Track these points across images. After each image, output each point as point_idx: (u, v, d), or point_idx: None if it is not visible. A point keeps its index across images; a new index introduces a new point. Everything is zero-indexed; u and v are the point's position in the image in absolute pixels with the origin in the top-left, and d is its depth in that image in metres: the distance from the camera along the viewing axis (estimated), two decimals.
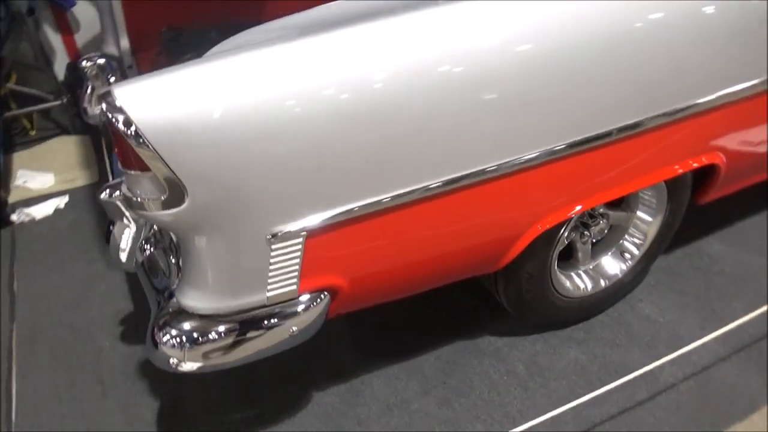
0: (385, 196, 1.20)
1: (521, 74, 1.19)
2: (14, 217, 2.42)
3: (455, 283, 1.59)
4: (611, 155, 1.41)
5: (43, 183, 2.61)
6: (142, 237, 1.48)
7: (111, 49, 2.30)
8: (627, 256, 1.82)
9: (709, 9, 1.34)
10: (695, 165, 1.60)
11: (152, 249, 1.49)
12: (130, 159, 1.04)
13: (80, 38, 3.20)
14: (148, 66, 2.20)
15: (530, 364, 1.78)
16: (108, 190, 1.37)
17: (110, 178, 1.84)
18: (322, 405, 1.70)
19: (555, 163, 1.33)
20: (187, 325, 1.28)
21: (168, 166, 1.01)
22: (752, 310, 1.72)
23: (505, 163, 1.26)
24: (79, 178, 2.66)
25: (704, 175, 1.71)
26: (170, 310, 1.31)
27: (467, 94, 1.16)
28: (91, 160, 2.78)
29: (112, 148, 1.95)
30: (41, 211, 2.46)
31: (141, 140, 0.98)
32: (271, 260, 1.19)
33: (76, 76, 3.11)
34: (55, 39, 3.12)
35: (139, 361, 1.86)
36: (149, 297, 1.41)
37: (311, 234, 1.18)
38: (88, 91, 2.16)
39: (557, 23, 1.21)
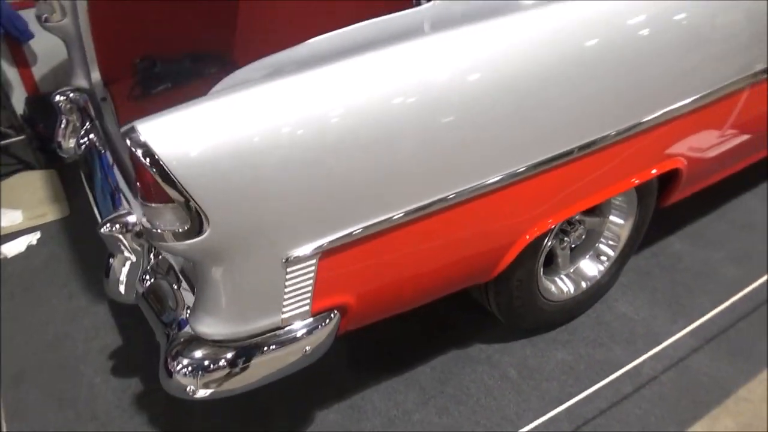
0: (387, 216, 1.26)
1: (483, 102, 1.27)
2: None
3: (440, 300, 1.65)
4: (585, 167, 1.52)
5: (11, 220, 2.54)
6: (141, 269, 1.49)
7: (80, 82, 2.29)
8: (603, 258, 1.94)
9: (648, 35, 1.46)
10: (661, 170, 1.74)
11: (153, 280, 1.50)
12: (153, 192, 1.06)
13: (37, 71, 3.15)
14: (124, 98, 2.20)
15: (521, 368, 1.86)
16: (108, 224, 1.39)
17: (96, 212, 1.83)
18: (326, 423, 1.73)
19: (537, 177, 1.43)
20: (199, 353, 1.30)
21: (192, 198, 1.04)
22: (718, 304, 1.85)
23: (495, 179, 1.35)
24: (49, 213, 2.61)
25: (668, 180, 1.85)
26: (182, 339, 1.32)
27: (451, 122, 1.24)
28: (60, 194, 2.73)
29: (94, 180, 1.95)
30: (13, 248, 2.41)
31: (166, 173, 1.01)
32: (287, 283, 1.23)
33: (36, 110, 3.06)
34: (11, 72, 3.06)
35: (134, 394, 1.85)
36: (156, 328, 1.42)
37: (323, 255, 1.23)
38: (63, 125, 2.16)
39: (509, 54, 1.30)
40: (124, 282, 1.49)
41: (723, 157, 1.93)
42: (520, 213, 1.51)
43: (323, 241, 1.21)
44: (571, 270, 1.92)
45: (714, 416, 1.72)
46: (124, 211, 1.44)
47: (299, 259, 1.20)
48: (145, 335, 2.00)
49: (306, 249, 1.20)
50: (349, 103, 1.16)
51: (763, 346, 1.90)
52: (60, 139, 2.16)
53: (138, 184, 1.10)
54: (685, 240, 2.33)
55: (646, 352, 1.74)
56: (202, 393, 1.30)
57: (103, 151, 2.01)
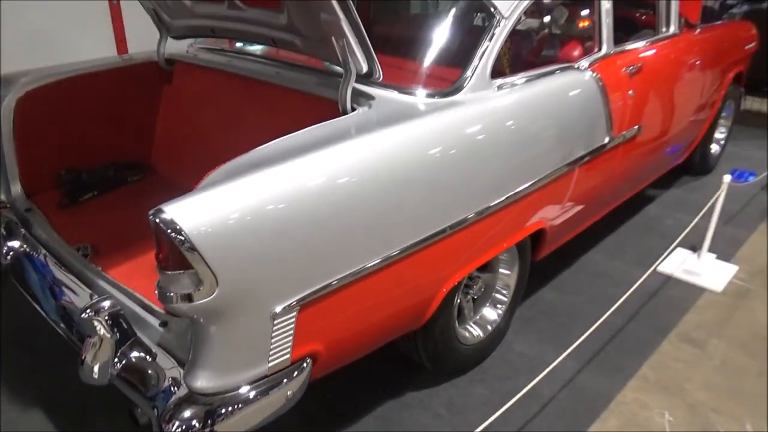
0: (343, 274, 1.56)
1: (400, 187, 1.67)
2: None
3: (372, 358, 1.93)
4: (477, 233, 1.96)
5: None
6: (113, 352, 1.63)
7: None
8: (499, 305, 2.37)
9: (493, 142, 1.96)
10: (530, 230, 2.24)
11: (126, 361, 1.63)
12: (172, 261, 1.29)
13: None
14: (53, 207, 2.32)
15: (449, 405, 2.17)
16: (88, 310, 1.56)
17: (38, 308, 1.90)
18: None
19: (444, 241, 1.82)
20: (188, 413, 1.46)
21: (207, 264, 1.29)
22: (585, 332, 2.33)
23: (411, 244, 1.71)
24: None
25: (537, 238, 2.36)
26: (172, 405, 1.47)
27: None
28: None
29: (29, 281, 2.02)
30: None
31: (188, 245, 1.25)
32: (273, 334, 1.47)
33: None
34: None
35: None
36: (139, 402, 1.55)
37: (301, 308, 1.50)
38: None
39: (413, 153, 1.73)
40: (98, 365, 1.61)
41: (574, 217, 2.51)
42: (438, 270, 1.90)
43: (300, 295, 1.49)
44: (477, 317, 2.32)
45: (603, 419, 2.15)
46: (99, 299, 1.61)
47: (283, 312, 1.46)
48: None
49: (288, 302, 1.47)
50: (309, 187, 1.49)
51: (627, 361, 2.40)
52: None
53: (159, 255, 1.32)
54: (554, 290, 2.87)
55: (544, 378, 2.14)
56: None
57: (35, 255, 2.09)
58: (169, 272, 1.32)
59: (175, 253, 1.28)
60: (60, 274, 1.96)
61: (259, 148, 1.59)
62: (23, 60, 3.00)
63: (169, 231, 1.25)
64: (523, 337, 2.53)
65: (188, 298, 1.33)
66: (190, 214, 1.28)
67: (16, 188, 2.36)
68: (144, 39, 3.55)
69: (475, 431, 1.79)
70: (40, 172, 2.39)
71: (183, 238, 1.26)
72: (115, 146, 2.61)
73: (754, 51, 4.10)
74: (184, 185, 2.49)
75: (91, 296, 1.85)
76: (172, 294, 1.34)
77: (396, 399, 2.20)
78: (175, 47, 2.62)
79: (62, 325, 1.85)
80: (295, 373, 1.55)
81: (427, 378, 2.28)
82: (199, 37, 2.53)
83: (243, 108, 2.43)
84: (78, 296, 1.88)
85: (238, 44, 2.62)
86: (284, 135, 1.64)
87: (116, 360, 1.62)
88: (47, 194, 2.39)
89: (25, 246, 2.13)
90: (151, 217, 1.27)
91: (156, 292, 1.38)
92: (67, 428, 2.07)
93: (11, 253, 2.15)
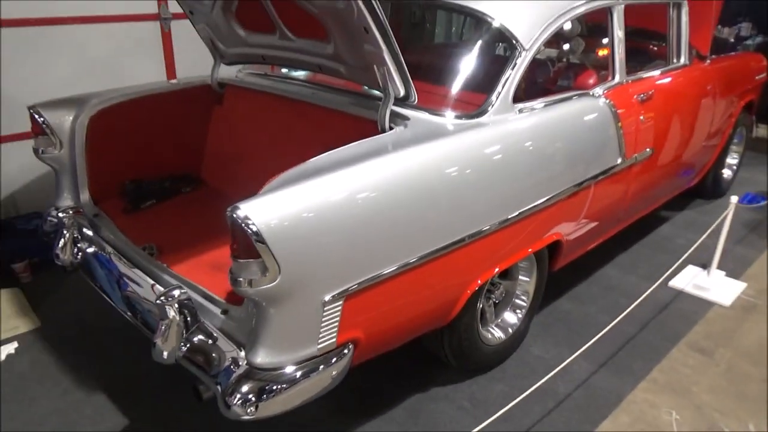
0: (386, 269, 1.80)
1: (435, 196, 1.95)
2: None
3: (399, 355, 2.14)
4: (499, 241, 2.18)
5: None
6: (182, 336, 1.87)
7: (66, 203, 2.64)
8: (519, 310, 2.57)
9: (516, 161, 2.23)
10: (547, 241, 2.46)
11: (191, 344, 1.86)
12: (243, 251, 1.53)
13: None
14: (119, 212, 2.59)
15: (472, 399, 2.37)
16: (162, 297, 1.81)
17: (107, 298, 2.16)
18: None
19: (472, 245, 2.05)
20: (246, 388, 1.69)
21: (272, 254, 1.53)
22: (600, 339, 2.52)
23: (440, 247, 1.93)
24: (21, 326, 2.78)
25: (554, 249, 2.57)
26: (233, 381, 1.70)
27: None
28: (26, 308, 2.91)
29: (97, 276, 2.28)
30: None
31: (259, 237, 1.50)
32: (323, 319, 1.70)
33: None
34: None
35: None
36: (204, 378, 1.78)
37: (347, 298, 1.73)
38: (63, 239, 2.47)
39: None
40: (168, 346, 1.84)
41: (589, 231, 2.72)
42: (463, 273, 2.12)
43: (346, 286, 1.72)
44: (499, 320, 2.53)
45: (614, 415, 2.33)
46: (171, 287, 1.86)
47: (332, 300, 1.69)
48: (152, 411, 2.28)
49: (336, 292, 1.70)
50: (358, 192, 1.74)
51: (638, 365, 2.58)
52: (58, 251, 2.47)
53: (233, 245, 1.56)
54: (570, 301, 3.06)
55: (558, 376, 2.34)
56: (251, 416, 1.66)
57: (102, 253, 2.36)
58: (241, 260, 1.56)
59: (246, 244, 1.53)
60: (125, 268, 2.22)
61: (313, 159, 1.84)
62: (85, 83, 3.34)
63: (243, 225, 1.50)
64: (541, 341, 2.73)
65: (255, 283, 1.57)
66: (261, 211, 1.53)
67: (85, 196, 2.64)
68: (189, 65, 3.90)
69: (494, 416, 1.99)
70: (107, 181, 2.67)
71: (254, 231, 1.50)
72: (171, 160, 2.89)
73: (765, 81, 4.31)
74: (231, 195, 2.80)
75: (152, 287, 2.10)
76: (241, 279, 1.58)
77: (423, 393, 2.40)
78: (225, 72, 2.91)
79: (128, 312, 2.11)
80: (340, 355, 1.77)
81: (451, 375, 2.48)
82: (251, 63, 2.81)
83: (287, 126, 2.69)
84: (141, 287, 2.12)
85: (283, 69, 2.89)
86: (328, 150, 1.88)
87: (183, 342, 1.86)
88: (111, 202, 2.66)
89: (93, 246, 2.40)
90: (228, 212, 1.52)
91: (228, 277, 1.61)
92: (129, 409, 2.31)
93: (81, 253, 2.42)
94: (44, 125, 2.52)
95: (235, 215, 1.51)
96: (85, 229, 2.47)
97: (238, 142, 2.90)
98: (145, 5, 3.76)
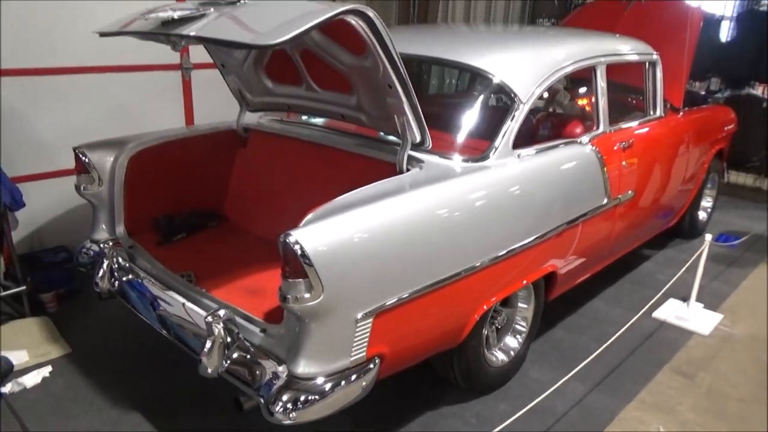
0: (410, 291, 2.05)
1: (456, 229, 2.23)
2: (5, 389, 2.65)
3: (410, 376, 2.36)
4: (501, 271, 2.44)
5: (19, 359, 2.84)
6: (225, 353, 2.08)
7: (101, 236, 2.87)
8: (518, 335, 2.83)
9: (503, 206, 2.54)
10: (543, 272, 2.73)
11: (232, 359, 2.08)
12: (293, 272, 1.78)
13: (16, 235, 3.58)
14: (152, 244, 2.82)
15: (478, 416, 2.60)
16: (210, 316, 2.04)
17: (144, 318, 2.37)
18: None
19: (479, 274, 2.31)
20: (286, 397, 1.91)
21: (318, 276, 1.78)
22: (591, 365, 2.78)
23: (452, 275, 2.19)
24: (53, 351, 2.95)
25: (550, 279, 2.85)
26: (275, 391, 1.92)
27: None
28: (56, 335, 3.09)
29: (132, 301, 2.49)
30: (29, 380, 2.71)
31: (308, 260, 1.76)
32: (355, 334, 1.94)
33: (24, 267, 3.45)
34: None
35: None
36: (247, 390, 1.99)
37: (376, 315, 1.97)
38: (103, 268, 2.69)
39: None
40: (213, 361, 2.06)
41: (580, 265, 3.01)
42: (471, 299, 2.38)
43: (376, 305, 1.97)
44: (501, 344, 2.78)
45: (608, 431, 2.56)
46: (216, 308, 2.10)
47: (364, 317, 1.94)
48: (185, 426, 2.46)
49: (367, 310, 1.94)
50: (384, 224, 2.01)
51: (628, 387, 2.83)
52: (98, 280, 2.68)
53: (285, 266, 1.81)
54: (563, 330, 3.32)
55: (556, 397, 2.58)
56: (292, 420, 1.88)
57: (138, 280, 2.58)
58: (290, 280, 1.81)
59: (296, 266, 1.78)
60: (159, 292, 2.44)
61: (345, 195, 2.10)
62: (110, 127, 3.59)
63: (294, 248, 1.75)
64: (538, 366, 2.97)
65: (301, 300, 1.81)
66: (310, 238, 1.79)
67: (120, 229, 2.87)
68: (206, 111, 4.20)
69: (501, 425, 2.22)
70: (141, 216, 2.91)
71: (304, 254, 1.76)
72: (198, 196, 3.14)
73: (734, 132, 4.72)
74: (252, 230, 3.04)
75: (183, 305, 2.32)
76: (290, 296, 1.82)
77: (434, 410, 2.62)
78: (247, 118, 3.19)
79: (163, 330, 2.34)
80: (369, 367, 2.00)
81: (459, 396, 2.70)
82: (276, 111, 3.11)
83: (306, 168, 2.97)
84: (172, 306, 2.35)
85: (303, 116, 3.19)
86: (344, 190, 2.11)
87: (225, 358, 2.08)
88: (144, 235, 2.89)
89: (129, 276, 2.62)
90: (281, 238, 1.78)
91: (278, 294, 1.85)
92: (162, 424, 2.49)
93: (117, 281, 2.64)
94: (87, 164, 2.77)
95: (287, 240, 1.77)
96: (121, 260, 2.69)
97: (260, 182, 3.16)
98: (168, 56, 4.08)
